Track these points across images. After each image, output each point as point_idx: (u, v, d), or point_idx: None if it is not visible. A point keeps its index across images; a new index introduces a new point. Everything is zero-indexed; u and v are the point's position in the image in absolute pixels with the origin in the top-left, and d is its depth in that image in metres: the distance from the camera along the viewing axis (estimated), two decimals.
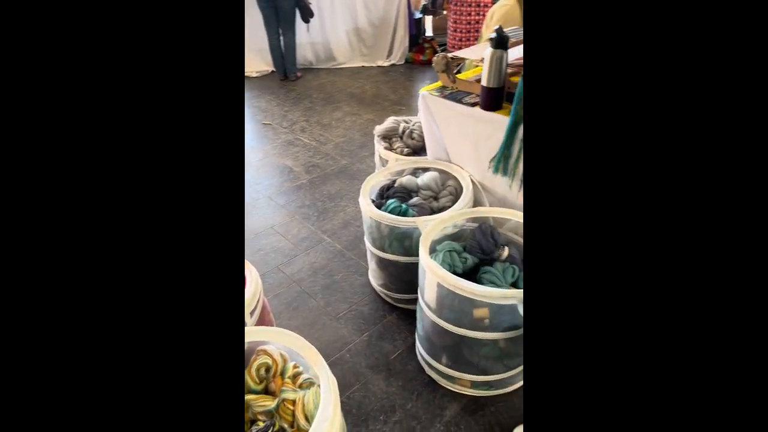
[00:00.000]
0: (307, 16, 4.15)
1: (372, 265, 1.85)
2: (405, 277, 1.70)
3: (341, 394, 1.47)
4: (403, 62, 4.78)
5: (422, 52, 4.74)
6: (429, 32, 5.21)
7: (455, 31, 3.50)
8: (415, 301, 1.58)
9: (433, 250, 1.47)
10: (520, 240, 1.57)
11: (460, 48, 3.44)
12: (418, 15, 4.89)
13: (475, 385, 1.45)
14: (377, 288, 1.87)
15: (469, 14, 3.41)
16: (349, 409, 1.43)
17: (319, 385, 0.96)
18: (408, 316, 1.75)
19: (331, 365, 1.56)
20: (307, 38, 4.52)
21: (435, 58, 1.67)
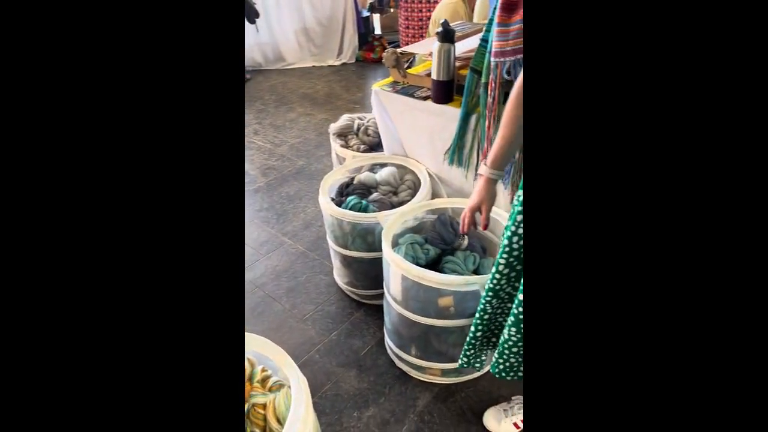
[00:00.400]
0: (252, 16, 4.07)
1: (336, 264, 1.84)
2: (370, 273, 1.70)
3: (313, 395, 1.46)
4: (354, 61, 4.77)
5: (372, 50, 4.75)
6: (378, 30, 5.23)
7: (407, 28, 3.54)
8: (381, 296, 1.59)
9: (395, 244, 1.49)
10: (479, 228, 1.61)
11: None
12: (365, 13, 4.91)
13: (445, 373, 1.48)
14: (343, 286, 1.87)
15: (420, 11, 3.46)
16: (322, 409, 1.42)
17: (289, 386, 0.95)
18: (375, 312, 1.76)
19: (301, 367, 1.54)
20: (254, 39, 4.43)
21: (385, 54, 1.68)
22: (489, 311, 1.12)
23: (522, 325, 1.02)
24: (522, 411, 1.33)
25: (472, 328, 1.18)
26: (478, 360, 1.26)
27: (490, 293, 1.08)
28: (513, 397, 1.38)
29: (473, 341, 1.19)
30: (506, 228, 0.99)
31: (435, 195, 1.73)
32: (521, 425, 1.33)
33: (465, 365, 1.26)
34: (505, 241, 0.98)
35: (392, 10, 5.05)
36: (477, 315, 1.15)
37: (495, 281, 1.05)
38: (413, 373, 1.52)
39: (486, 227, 1.13)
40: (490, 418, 1.36)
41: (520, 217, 0.92)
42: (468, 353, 1.23)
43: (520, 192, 0.92)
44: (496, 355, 1.13)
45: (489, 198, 1.09)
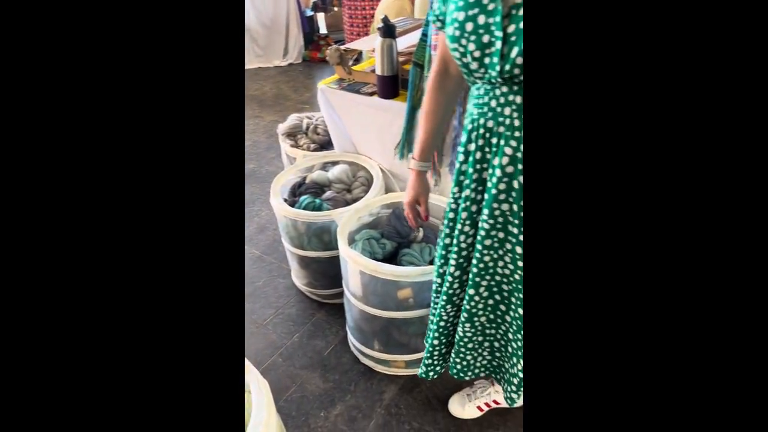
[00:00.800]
0: None
1: (294, 266, 1.82)
2: (329, 273, 1.69)
3: (278, 399, 1.44)
4: (300, 61, 4.72)
5: (319, 49, 4.72)
6: (323, 29, 5.19)
7: (352, 26, 3.53)
8: (341, 295, 1.58)
9: (352, 241, 1.49)
10: (435, 220, 1.64)
11: None
12: (309, 12, 4.86)
13: (409, 364, 1.50)
14: (302, 288, 1.85)
15: (364, 8, 3.45)
16: (288, 412, 1.40)
17: (249, 391, 0.93)
18: (337, 311, 1.75)
19: (264, 372, 1.52)
20: None
21: (328, 51, 1.67)
22: (445, 318, 1.11)
23: (475, 320, 1.04)
24: (484, 394, 1.37)
25: (429, 335, 1.17)
26: (436, 370, 1.23)
27: (444, 297, 1.06)
28: (476, 382, 1.42)
29: (431, 349, 1.17)
30: (448, 228, 1.01)
31: (388, 190, 1.74)
32: (485, 408, 1.37)
33: (423, 375, 1.23)
34: (454, 240, 0.98)
35: (336, 9, 5.03)
36: (434, 321, 1.14)
37: (448, 285, 1.04)
38: (378, 368, 1.53)
39: (427, 218, 1.15)
40: (454, 404, 1.39)
41: (465, 214, 0.94)
42: (427, 362, 1.21)
43: (455, 189, 0.96)
44: (453, 355, 1.14)
45: (424, 190, 1.12)
